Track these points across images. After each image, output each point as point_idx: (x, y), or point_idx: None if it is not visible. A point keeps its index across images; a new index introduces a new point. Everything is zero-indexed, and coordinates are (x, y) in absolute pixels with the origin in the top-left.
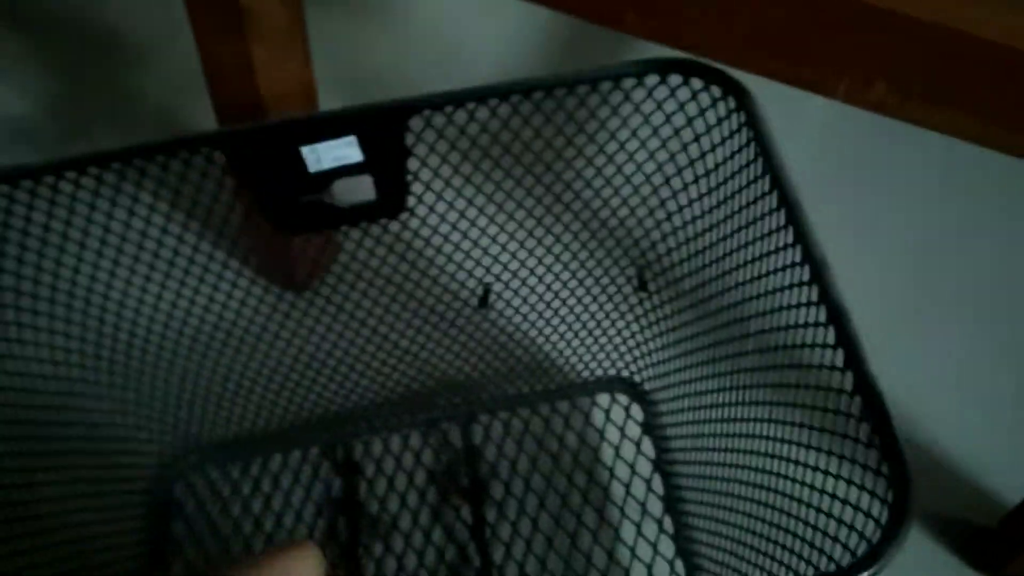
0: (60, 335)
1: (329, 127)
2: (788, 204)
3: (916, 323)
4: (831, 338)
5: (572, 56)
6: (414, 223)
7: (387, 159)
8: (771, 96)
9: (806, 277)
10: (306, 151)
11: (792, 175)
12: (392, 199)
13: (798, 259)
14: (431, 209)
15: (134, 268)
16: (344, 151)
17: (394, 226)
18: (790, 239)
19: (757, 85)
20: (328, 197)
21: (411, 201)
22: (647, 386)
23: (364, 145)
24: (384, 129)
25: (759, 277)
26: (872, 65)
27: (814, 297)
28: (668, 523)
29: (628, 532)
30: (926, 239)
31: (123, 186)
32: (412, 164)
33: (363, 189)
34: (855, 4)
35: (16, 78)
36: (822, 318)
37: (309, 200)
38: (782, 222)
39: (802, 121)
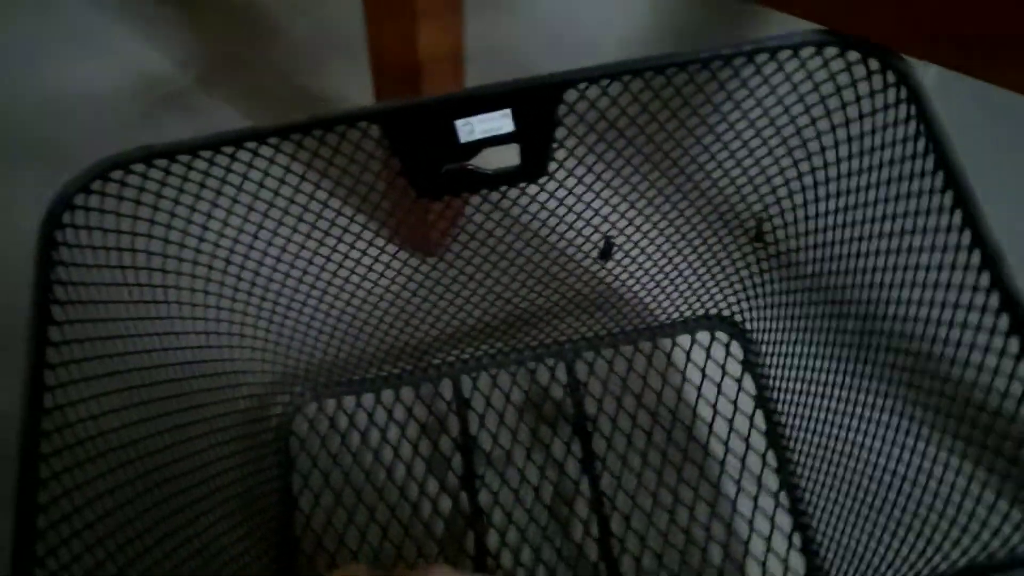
0: (202, 291)
1: (488, 102)
2: (958, 188)
3: None
4: (1004, 324)
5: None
6: (551, 185)
7: (536, 130)
8: None
9: (975, 262)
10: (459, 124)
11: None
12: (534, 165)
13: (967, 243)
14: (570, 173)
15: (277, 231)
16: (498, 123)
17: (531, 189)
18: (958, 222)
19: None
20: (473, 164)
21: (551, 166)
22: (748, 325)
23: (517, 117)
24: (540, 102)
25: (908, 251)
26: None
27: (984, 283)
28: (772, 457)
29: (733, 466)
30: None
31: (276, 157)
32: (559, 132)
33: (509, 156)
34: None
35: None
36: (993, 304)
37: (454, 167)
38: (948, 204)
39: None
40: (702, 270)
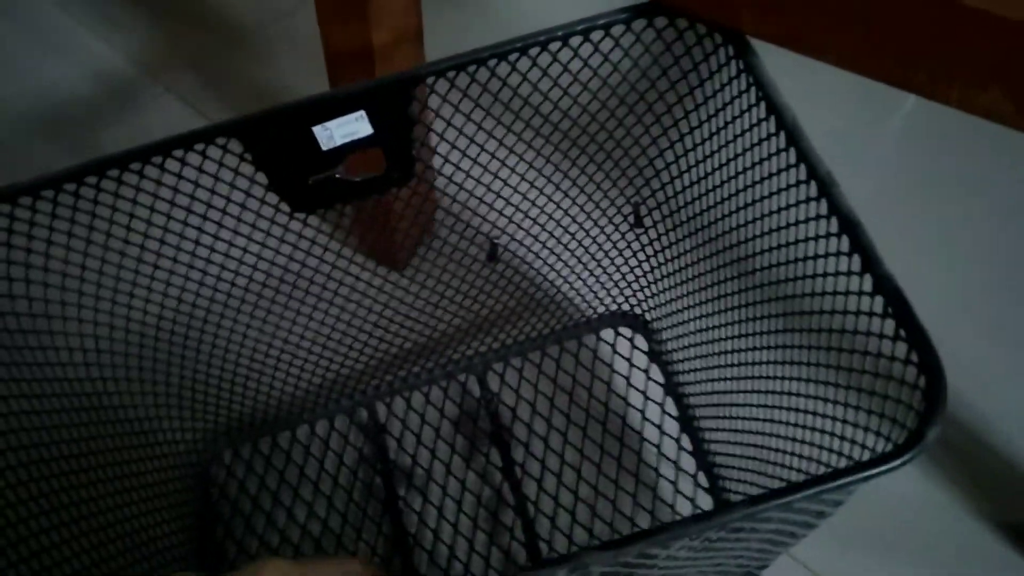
0: (91, 336)
1: (340, 104)
2: (786, 128)
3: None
4: (845, 246)
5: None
6: (440, 182)
7: (395, 130)
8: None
9: (813, 193)
10: (318, 130)
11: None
12: (401, 168)
13: (803, 177)
14: (438, 172)
15: (160, 251)
16: (354, 126)
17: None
18: (792, 160)
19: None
20: (339, 173)
21: (417, 167)
22: (648, 316)
23: (373, 119)
24: (391, 101)
25: (759, 200)
26: (986, 71)
27: (823, 211)
28: (686, 441)
29: (650, 455)
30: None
31: (164, 178)
32: (418, 132)
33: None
34: (969, 9)
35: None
36: (833, 229)
37: (322, 178)
38: (783, 145)
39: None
40: (593, 265)
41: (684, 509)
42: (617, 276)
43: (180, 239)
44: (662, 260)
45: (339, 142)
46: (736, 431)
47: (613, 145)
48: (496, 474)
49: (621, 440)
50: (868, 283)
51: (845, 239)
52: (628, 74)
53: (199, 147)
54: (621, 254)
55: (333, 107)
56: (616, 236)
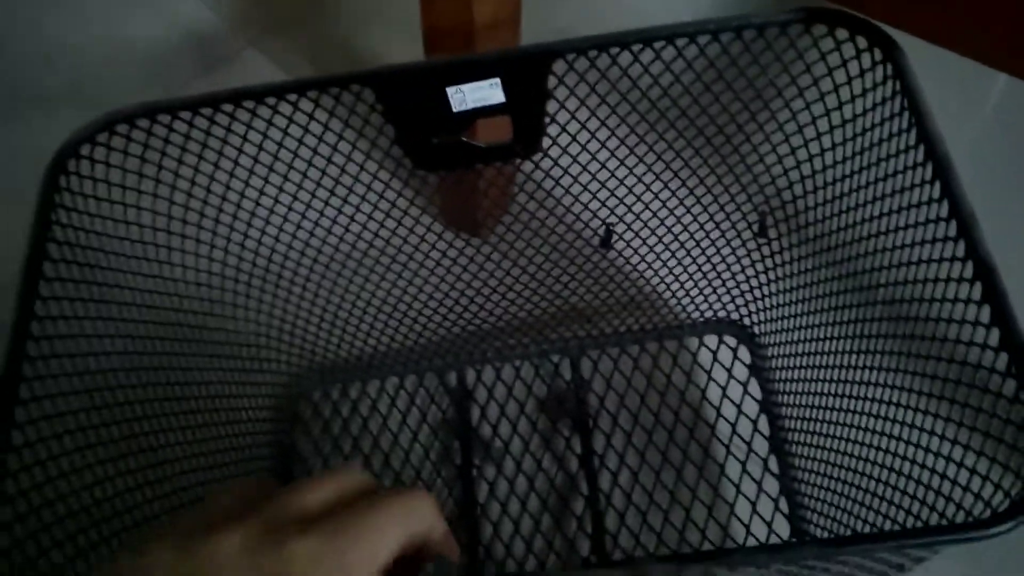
0: (206, 257)
1: (476, 68)
2: (936, 159)
3: None
4: (977, 293)
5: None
6: (546, 163)
7: (527, 101)
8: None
9: (952, 233)
10: (451, 91)
11: (944, 134)
12: (528, 140)
13: (944, 215)
14: (564, 150)
15: (282, 187)
16: (487, 92)
17: (527, 166)
18: (936, 194)
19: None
20: (467, 136)
21: (546, 142)
22: (756, 329)
23: (507, 87)
24: (527, 72)
25: (894, 231)
26: None
27: (960, 253)
28: (773, 463)
29: (733, 470)
30: None
31: (296, 116)
32: (551, 106)
33: (501, 130)
34: None
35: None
36: (967, 274)
37: (448, 139)
38: (928, 177)
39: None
40: (708, 268)
41: (759, 531)
42: (731, 283)
43: (303, 178)
44: (780, 274)
45: (470, 106)
46: (828, 462)
47: (749, 149)
48: (573, 460)
49: (706, 450)
50: (995, 337)
51: (979, 286)
52: (775, 78)
53: (333, 91)
54: (739, 261)
55: (470, 71)
56: (737, 243)
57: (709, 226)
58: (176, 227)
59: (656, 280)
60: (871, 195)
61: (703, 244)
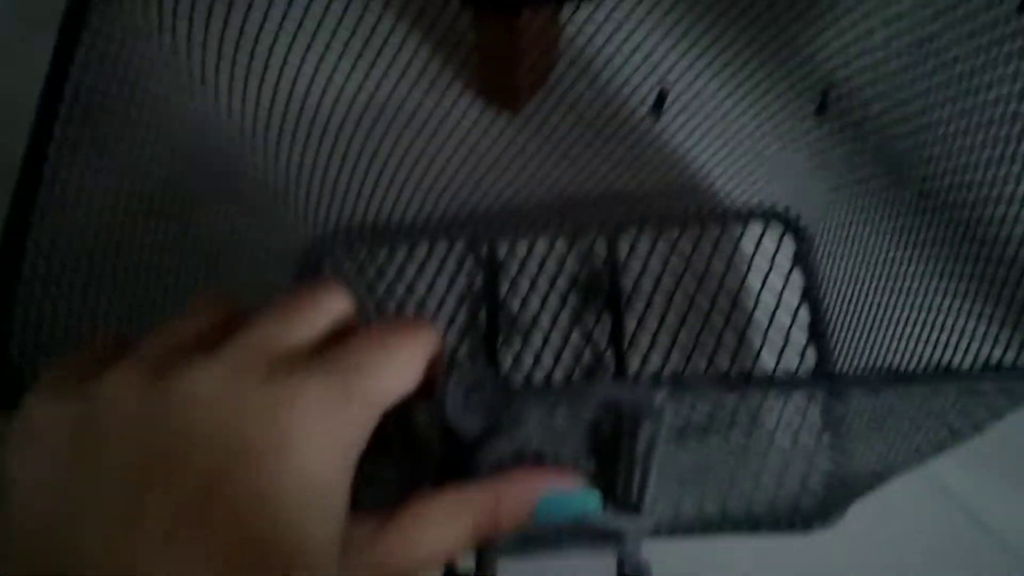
0: (240, 96)
1: None
2: None
3: None
4: None
5: None
6: (600, 16)
7: None
8: None
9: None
10: None
11: None
12: None
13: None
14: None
15: (330, 44)
16: None
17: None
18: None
19: None
20: None
21: None
22: (803, 220)
23: None
24: None
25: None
26: None
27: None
28: (811, 353)
29: (770, 358)
30: None
31: None
32: None
33: None
34: None
35: None
36: None
37: None
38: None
39: None
40: (759, 150)
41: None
42: (782, 169)
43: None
44: (834, 163)
45: None
46: (868, 354)
47: (817, 14)
48: (603, 340)
49: (742, 336)
50: None
51: None
52: None
53: None
54: (792, 144)
55: None
56: (790, 124)
57: (767, 99)
58: (209, 67)
59: (704, 160)
60: (951, 80)
61: (758, 121)
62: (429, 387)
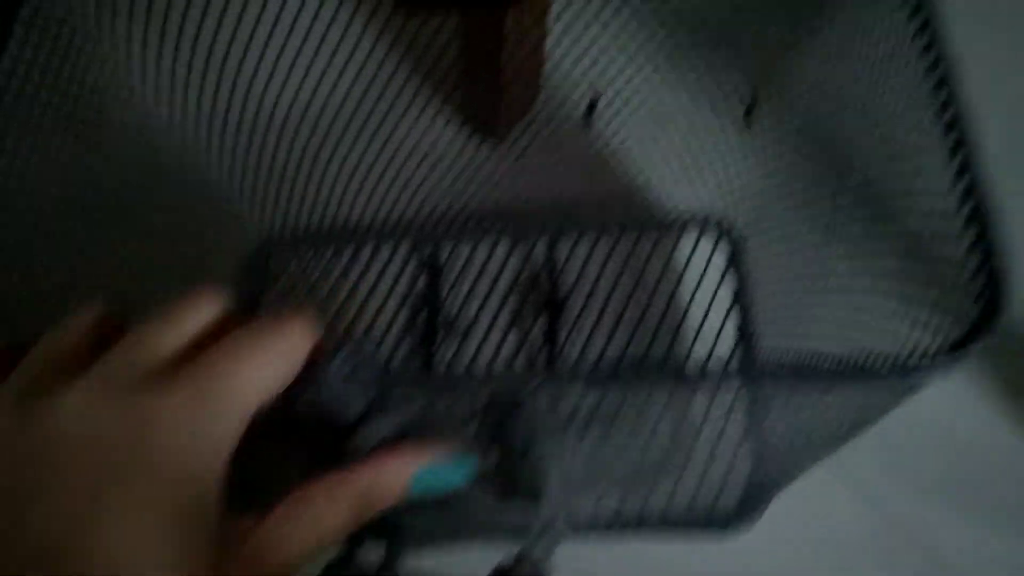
0: (182, 92)
1: None
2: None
3: None
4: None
5: None
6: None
7: None
8: None
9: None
10: None
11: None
12: None
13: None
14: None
15: (271, 33)
16: None
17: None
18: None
19: None
20: None
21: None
22: (738, 225)
23: None
24: None
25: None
26: None
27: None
28: (740, 354)
29: (699, 359)
30: None
31: None
32: None
33: None
34: None
35: None
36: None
37: None
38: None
39: None
40: (693, 158)
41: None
42: (715, 177)
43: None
44: (764, 171)
45: None
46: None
47: (740, 27)
48: (539, 339)
49: (674, 339)
50: (963, 185)
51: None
52: None
53: None
54: (726, 154)
55: None
56: (722, 136)
57: (696, 116)
58: (165, 61)
59: (638, 168)
60: (861, 90)
61: (690, 130)
62: (310, 374)
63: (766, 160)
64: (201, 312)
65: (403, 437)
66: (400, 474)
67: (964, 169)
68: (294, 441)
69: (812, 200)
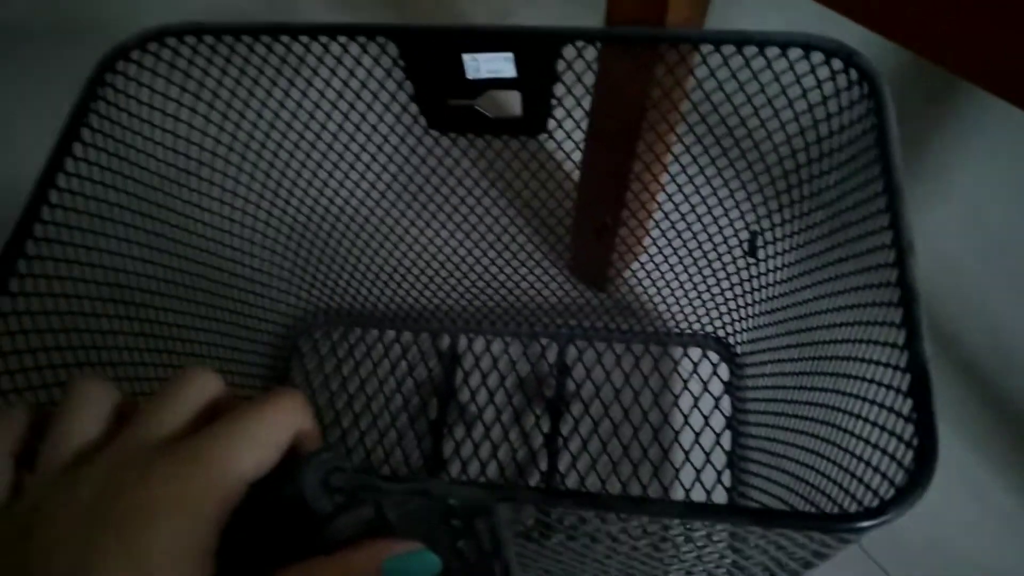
0: (233, 178)
1: (491, 40)
2: (891, 191)
3: None
4: (898, 318)
5: None
6: (550, 145)
7: (537, 80)
8: None
9: (890, 259)
10: (467, 58)
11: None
12: (535, 119)
13: (887, 242)
14: (568, 135)
15: (305, 136)
16: (500, 65)
17: (532, 145)
18: (886, 223)
19: None
20: (479, 105)
21: (551, 124)
22: (738, 349)
23: (519, 63)
24: (539, 51)
25: (846, 259)
26: None
27: (892, 279)
28: (727, 477)
29: (687, 477)
30: None
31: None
32: (558, 89)
33: (511, 104)
34: None
35: None
36: (895, 299)
37: (461, 104)
38: (882, 207)
39: None
40: (698, 282)
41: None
42: (719, 300)
43: (324, 124)
44: (761, 297)
45: (483, 75)
46: (779, 487)
47: (744, 165)
48: (539, 438)
49: (666, 453)
50: (904, 359)
51: (900, 311)
52: (773, 98)
53: (361, 39)
54: (728, 279)
55: (484, 41)
56: (728, 259)
57: (702, 237)
58: (206, 155)
59: (648, 284)
60: (839, 223)
61: (695, 256)
62: (291, 467)
63: (763, 289)
64: (197, 393)
65: (375, 531)
66: (371, 563)
67: (911, 345)
68: (271, 529)
69: (804, 331)
